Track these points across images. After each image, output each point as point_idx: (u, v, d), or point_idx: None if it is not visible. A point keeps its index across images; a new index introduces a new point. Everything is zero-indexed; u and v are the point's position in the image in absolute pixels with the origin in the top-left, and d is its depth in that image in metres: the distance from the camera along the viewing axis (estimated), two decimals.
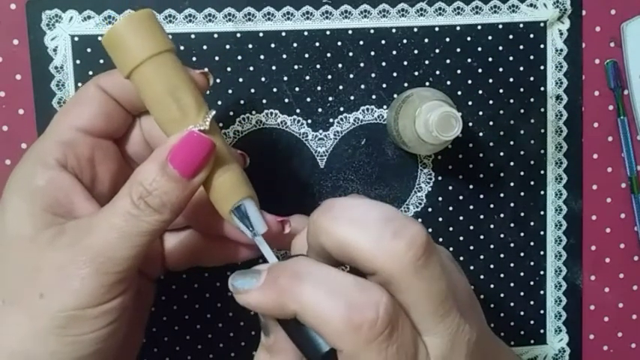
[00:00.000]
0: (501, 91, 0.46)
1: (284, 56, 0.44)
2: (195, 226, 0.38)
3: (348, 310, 0.26)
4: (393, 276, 0.26)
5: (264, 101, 0.44)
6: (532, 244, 0.47)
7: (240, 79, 0.44)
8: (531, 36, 0.46)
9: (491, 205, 0.47)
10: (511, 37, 0.46)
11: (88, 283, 0.29)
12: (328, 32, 0.44)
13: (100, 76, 0.35)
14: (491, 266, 0.47)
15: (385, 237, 0.26)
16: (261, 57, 0.44)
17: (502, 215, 0.47)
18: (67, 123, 0.34)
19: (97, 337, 0.30)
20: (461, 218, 0.47)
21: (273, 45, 0.44)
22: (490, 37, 0.45)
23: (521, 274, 0.47)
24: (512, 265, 0.47)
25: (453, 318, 0.27)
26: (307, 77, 0.44)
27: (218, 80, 0.44)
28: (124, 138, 0.37)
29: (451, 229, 0.47)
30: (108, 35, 0.31)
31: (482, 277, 0.47)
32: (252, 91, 0.44)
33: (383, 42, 0.45)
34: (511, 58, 0.46)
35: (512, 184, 0.47)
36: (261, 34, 0.44)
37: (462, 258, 0.47)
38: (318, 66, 0.44)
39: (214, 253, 0.38)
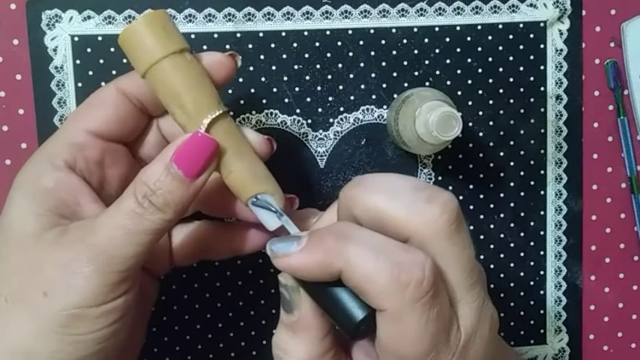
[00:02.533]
0: (501, 91, 0.46)
1: (284, 56, 0.44)
2: (205, 209, 0.38)
3: (396, 268, 0.26)
4: (427, 240, 0.27)
5: (264, 101, 0.44)
6: (532, 244, 0.47)
7: (240, 79, 0.44)
8: (531, 36, 0.46)
9: (491, 205, 0.47)
10: (511, 37, 0.46)
11: (91, 281, 0.29)
12: (328, 32, 0.44)
13: (122, 77, 0.35)
14: (492, 266, 0.47)
15: (419, 202, 0.27)
16: (261, 57, 0.44)
17: (502, 215, 0.47)
18: (79, 125, 0.34)
19: (99, 337, 0.30)
20: None
21: (273, 45, 0.44)
22: (490, 37, 0.45)
23: (521, 274, 0.47)
24: (512, 265, 0.47)
25: (479, 291, 0.28)
26: (307, 77, 0.44)
27: None
28: (138, 141, 0.36)
29: None
30: (125, 33, 0.31)
31: None
32: (252, 91, 0.44)
33: (383, 42, 0.45)
34: (511, 58, 0.46)
35: (512, 184, 0.47)
36: (261, 34, 0.44)
37: None
38: (318, 66, 0.44)
39: (221, 245, 0.38)
